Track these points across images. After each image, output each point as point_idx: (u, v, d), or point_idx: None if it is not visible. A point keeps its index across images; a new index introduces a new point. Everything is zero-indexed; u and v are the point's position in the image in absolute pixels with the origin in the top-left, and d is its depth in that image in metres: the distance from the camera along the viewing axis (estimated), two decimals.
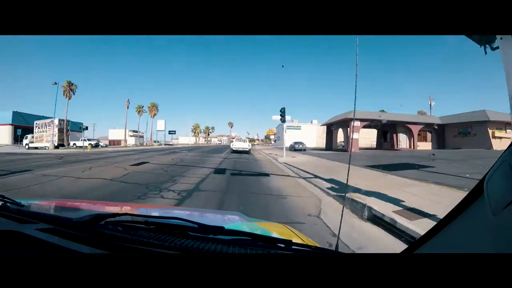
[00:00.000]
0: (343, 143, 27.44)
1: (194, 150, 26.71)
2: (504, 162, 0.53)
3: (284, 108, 16.04)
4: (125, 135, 44.06)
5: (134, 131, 60.13)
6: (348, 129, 23.96)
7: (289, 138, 52.83)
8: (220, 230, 0.78)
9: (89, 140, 35.29)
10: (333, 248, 1.04)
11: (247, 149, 21.00)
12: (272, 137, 78.74)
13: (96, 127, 66.48)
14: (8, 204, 0.96)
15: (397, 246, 2.73)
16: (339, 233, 1.39)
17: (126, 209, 1.54)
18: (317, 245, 0.94)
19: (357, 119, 23.07)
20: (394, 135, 28.12)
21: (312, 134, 50.28)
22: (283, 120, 15.99)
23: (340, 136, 30.21)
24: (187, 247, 0.68)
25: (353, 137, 22.78)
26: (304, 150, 28.18)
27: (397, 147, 27.66)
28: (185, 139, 78.01)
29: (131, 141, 56.28)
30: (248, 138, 77.87)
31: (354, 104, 1.38)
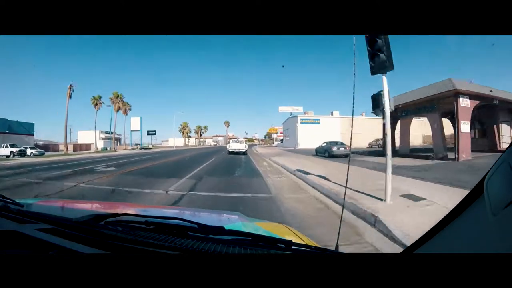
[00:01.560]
0: (438, 142, 13.57)
1: (146, 161, 14.72)
2: (504, 162, 0.51)
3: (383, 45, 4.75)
4: (65, 137, 31.89)
5: (107, 132, 48.61)
6: (453, 117, 12.24)
7: (304, 135, 40.07)
8: (220, 230, 0.78)
9: (11, 146, 23.90)
10: (333, 248, 0.99)
11: (243, 150, 21.77)
12: (274, 136, 67.15)
13: (73, 129, 54.18)
14: (8, 204, 0.94)
15: None
16: (338, 233, 1.27)
17: (126, 209, 1.45)
18: (317, 245, 0.92)
19: (466, 93, 11.87)
20: (495, 127, 16.77)
21: (335, 130, 37.56)
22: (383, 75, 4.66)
23: (417, 128, 17.25)
24: (187, 247, 0.67)
25: (463, 130, 11.63)
26: (345, 156, 16.55)
27: (500, 146, 16.47)
28: (177, 141, 65.61)
29: (100, 144, 44.82)
30: (246, 138, 66.72)
31: (353, 103, 1.42)
